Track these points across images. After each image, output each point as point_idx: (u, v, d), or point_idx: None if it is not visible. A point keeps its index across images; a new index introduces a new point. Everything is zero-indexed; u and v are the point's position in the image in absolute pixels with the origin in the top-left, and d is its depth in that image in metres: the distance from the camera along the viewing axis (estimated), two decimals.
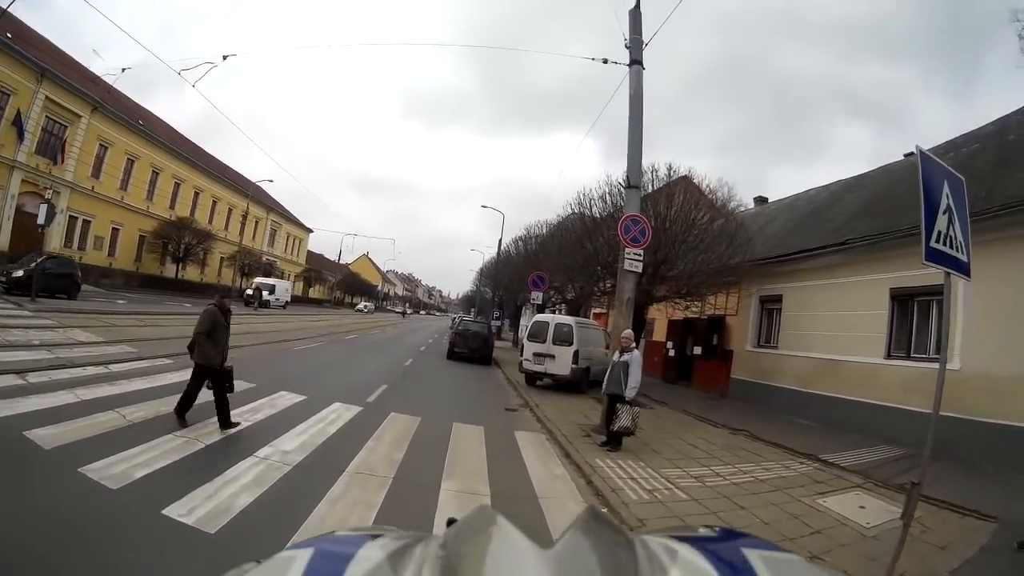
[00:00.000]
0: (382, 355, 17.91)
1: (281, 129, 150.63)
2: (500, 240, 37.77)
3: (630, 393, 7.43)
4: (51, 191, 19.16)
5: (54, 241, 28.10)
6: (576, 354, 13.47)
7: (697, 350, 17.07)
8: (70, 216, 29.73)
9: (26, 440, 4.88)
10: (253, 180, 44.55)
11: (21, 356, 8.48)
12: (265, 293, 38.48)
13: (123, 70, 18.65)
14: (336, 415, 7.84)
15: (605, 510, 5.05)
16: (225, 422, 6.24)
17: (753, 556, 0.71)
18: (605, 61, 10.12)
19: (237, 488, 4.50)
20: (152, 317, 18.05)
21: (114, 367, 8.83)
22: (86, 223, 31.09)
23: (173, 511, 3.86)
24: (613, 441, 7.62)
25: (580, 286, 20.08)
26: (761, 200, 22.46)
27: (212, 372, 6.27)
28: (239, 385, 7.26)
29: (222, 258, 43.86)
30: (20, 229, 24.67)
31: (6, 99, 24.76)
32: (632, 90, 9.40)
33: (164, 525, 3.66)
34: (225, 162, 48.95)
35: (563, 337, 13.75)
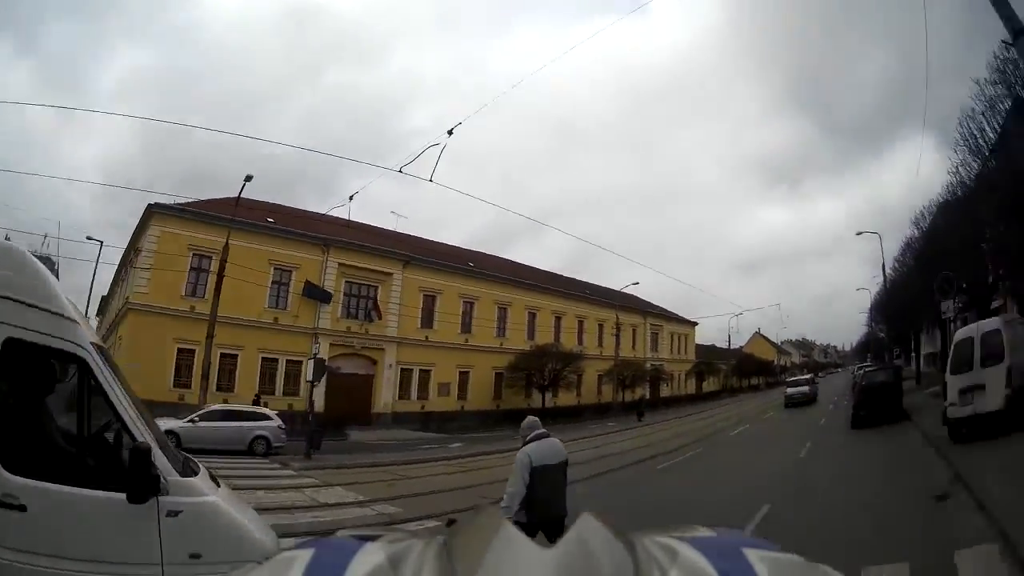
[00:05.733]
0: (773, 448, 14.85)
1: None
2: (883, 264, 31.34)
3: None
4: (317, 345, 20.26)
5: (385, 395, 29.45)
6: (1009, 372, 9.31)
7: None
8: (402, 369, 30.85)
9: None
10: (617, 289, 42.69)
11: None
12: None
13: (350, 197, 19.75)
14: None
15: None
16: None
17: (753, 556, 0.72)
18: None
19: None
20: (480, 459, 15.39)
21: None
22: (424, 372, 31.79)
23: None
24: None
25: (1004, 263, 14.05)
26: None
27: None
28: None
29: (599, 375, 41.01)
30: (338, 390, 26.09)
31: (288, 275, 27.09)
32: None
33: None
34: (582, 279, 46.45)
35: (993, 352, 9.63)
